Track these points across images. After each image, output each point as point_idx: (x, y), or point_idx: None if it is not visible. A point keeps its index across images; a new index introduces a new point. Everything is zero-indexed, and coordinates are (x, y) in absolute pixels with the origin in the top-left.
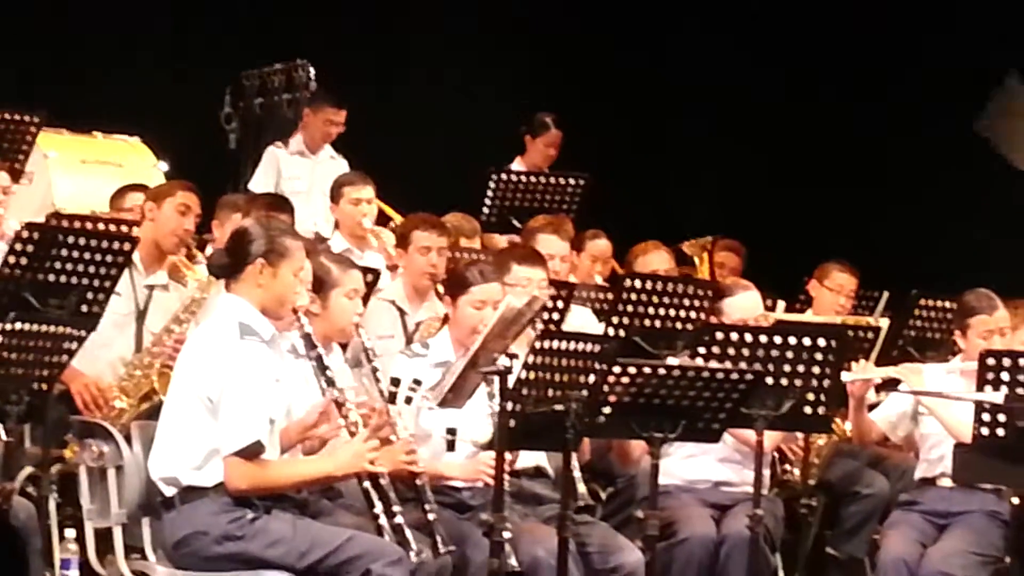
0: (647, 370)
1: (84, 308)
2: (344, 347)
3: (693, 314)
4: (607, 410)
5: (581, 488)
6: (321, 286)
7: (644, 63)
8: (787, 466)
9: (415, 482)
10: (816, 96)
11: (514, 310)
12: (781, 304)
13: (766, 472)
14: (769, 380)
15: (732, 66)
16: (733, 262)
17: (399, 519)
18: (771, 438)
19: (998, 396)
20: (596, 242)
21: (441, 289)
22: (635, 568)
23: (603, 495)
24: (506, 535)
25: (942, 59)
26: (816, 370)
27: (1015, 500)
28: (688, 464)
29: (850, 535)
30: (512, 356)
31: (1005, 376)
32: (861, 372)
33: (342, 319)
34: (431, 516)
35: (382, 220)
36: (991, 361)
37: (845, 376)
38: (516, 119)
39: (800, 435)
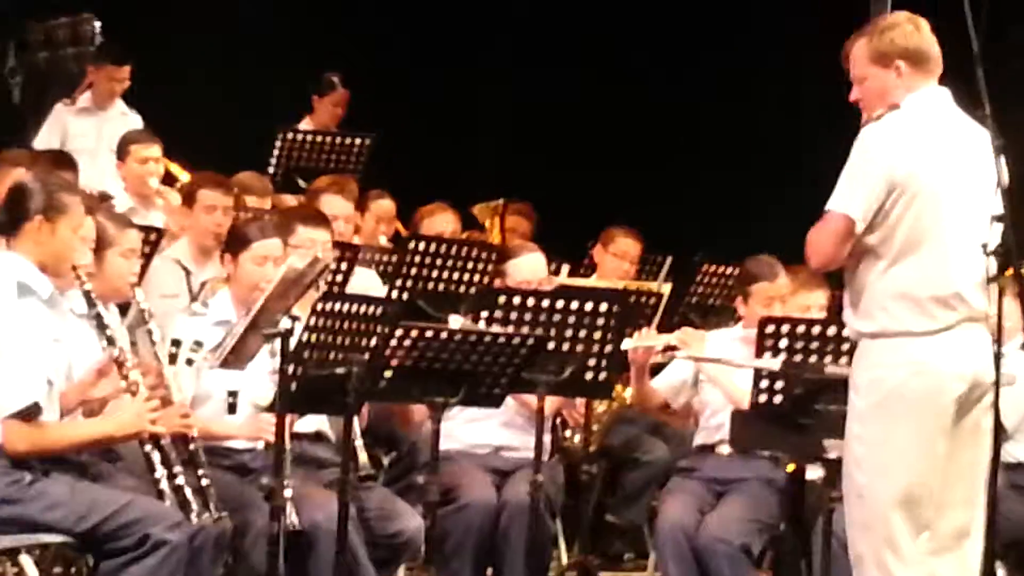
0: (429, 333)
1: None
2: (125, 309)
3: (477, 277)
4: (388, 374)
5: (362, 458)
6: (97, 245)
7: (433, 20)
8: (568, 432)
9: (189, 447)
10: (605, 62)
11: (296, 271)
12: (565, 268)
13: (547, 438)
14: (551, 345)
15: (523, 27)
16: (523, 227)
17: (180, 480)
18: (552, 403)
19: (776, 363)
20: (380, 202)
21: None
22: (415, 534)
23: (385, 460)
24: (288, 493)
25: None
26: (598, 335)
27: (790, 467)
28: (470, 428)
29: (630, 502)
30: (294, 318)
31: (783, 343)
32: (643, 339)
33: (117, 279)
34: (204, 482)
35: (169, 179)
36: (770, 328)
37: (626, 343)
38: (307, 78)
39: (581, 401)
